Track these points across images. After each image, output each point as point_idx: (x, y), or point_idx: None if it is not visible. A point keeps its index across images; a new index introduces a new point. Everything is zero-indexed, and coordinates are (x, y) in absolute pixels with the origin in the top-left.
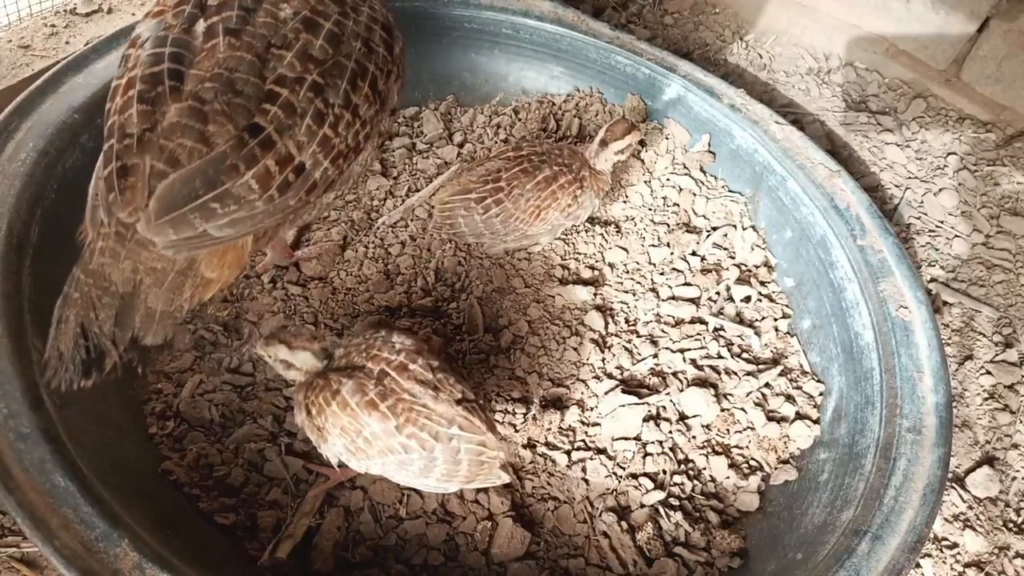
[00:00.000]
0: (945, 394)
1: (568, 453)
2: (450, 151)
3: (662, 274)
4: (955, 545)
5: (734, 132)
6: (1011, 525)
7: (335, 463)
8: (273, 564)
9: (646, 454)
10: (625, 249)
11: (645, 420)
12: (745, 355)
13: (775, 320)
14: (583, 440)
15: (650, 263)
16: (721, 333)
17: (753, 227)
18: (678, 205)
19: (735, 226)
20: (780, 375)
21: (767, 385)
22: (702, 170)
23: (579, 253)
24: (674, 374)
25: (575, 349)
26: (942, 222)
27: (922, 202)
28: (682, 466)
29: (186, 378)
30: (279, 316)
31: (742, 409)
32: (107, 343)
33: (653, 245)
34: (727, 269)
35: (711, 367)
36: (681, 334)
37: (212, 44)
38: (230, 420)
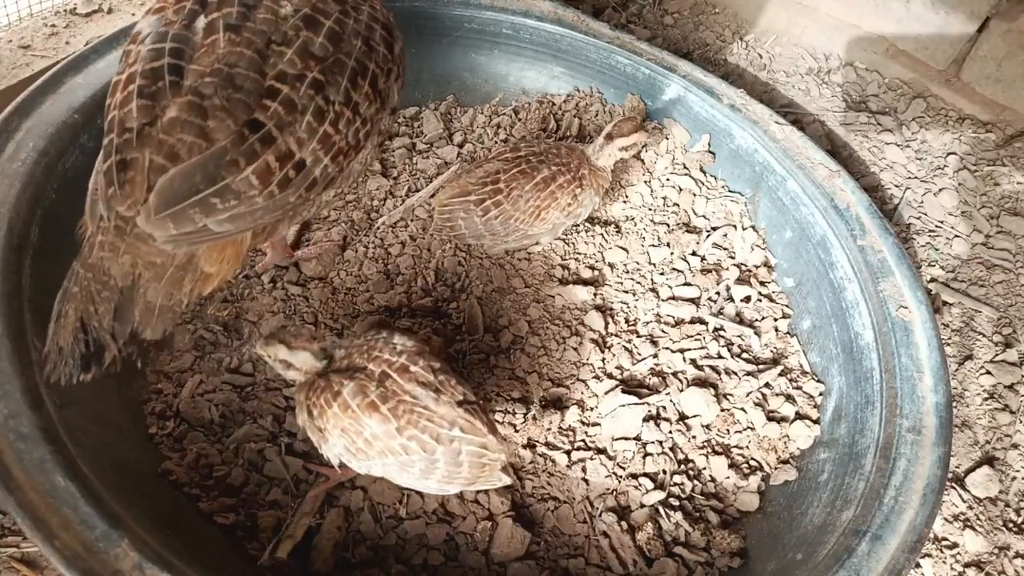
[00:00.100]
0: (945, 394)
1: (568, 453)
2: (450, 151)
3: (662, 274)
4: (955, 545)
5: (734, 132)
6: (1011, 525)
7: (336, 464)
8: (273, 564)
9: (646, 454)
10: (625, 249)
11: (645, 420)
12: (745, 355)
13: (775, 320)
14: (583, 440)
15: (650, 263)
16: (721, 333)
17: (753, 227)
18: (678, 205)
19: (735, 226)
20: (780, 375)
21: (767, 385)
22: (702, 170)
23: (579, 253)
24: (674, 374)
25: (575, 349)
26: (942, 222)
27: (922, 202)
28: (682, 466)
29: (186, 378)
30: (279, 316)
31: (742, 409)
32: (106, 337)
33: (653, 245)
34: (727, 269)
35: (711, 367)
36: (681, 334)
37: (212, 40)
38: (230, 420)
